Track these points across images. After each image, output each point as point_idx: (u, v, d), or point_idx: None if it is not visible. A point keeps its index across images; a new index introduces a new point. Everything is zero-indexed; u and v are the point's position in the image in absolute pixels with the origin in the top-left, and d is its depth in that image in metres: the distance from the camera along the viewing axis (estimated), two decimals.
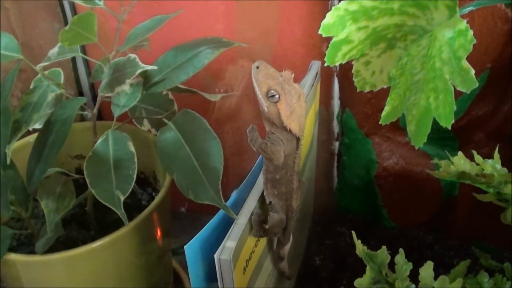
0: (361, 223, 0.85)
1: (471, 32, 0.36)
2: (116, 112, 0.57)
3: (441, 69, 0.37)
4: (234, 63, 0.79)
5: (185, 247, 0.45)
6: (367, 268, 0.53)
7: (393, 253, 0.53)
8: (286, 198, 0.52)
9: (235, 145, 0.86)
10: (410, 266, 0.52)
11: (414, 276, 0.53)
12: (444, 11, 0.38)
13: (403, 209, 0.82)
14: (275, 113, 0.47)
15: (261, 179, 0.52)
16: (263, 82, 0.47)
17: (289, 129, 0.48)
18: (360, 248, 0.53)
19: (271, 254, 0.58)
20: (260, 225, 0.51)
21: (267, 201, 0.52)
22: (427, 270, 0.51)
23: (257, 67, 0.47)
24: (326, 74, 0.76)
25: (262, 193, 0.52)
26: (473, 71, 0.35)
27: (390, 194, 0.80)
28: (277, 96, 0.47)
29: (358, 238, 0.52)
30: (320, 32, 0.40)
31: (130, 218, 0.56)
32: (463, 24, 0.36)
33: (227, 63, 0.79)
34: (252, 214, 0.50)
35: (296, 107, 0.48)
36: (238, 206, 0.50)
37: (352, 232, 0.53)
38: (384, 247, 0.53)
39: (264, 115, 0.48)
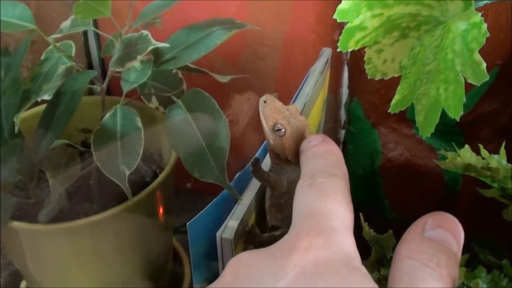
0: (361, 212, 0.85)
1: (485, 25, 0.35)
2: (126, 87, 0.57)
3: (452, 61, 0.37)
4: (243, 47, 0.79)
5: (187, 224, 0.45)
6: (373, 250, 0.53)
7: None
8: (288, 222, 0.53)
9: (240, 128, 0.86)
10: None
11: None
12: (459, 3, 0.38)
13: (404, 201, 0.82)
14: (281, 147, 0.48)
15: (266, 162, 0.53)
16: (269, 116, 0.48)
17: (294, 163, 0.49)
18: (366, 230, 0.54)
19: None
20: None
21: (269, 225, 0.52)
22: None
23: (265, 101, 0.48)
24: (336, 62, 0.75)
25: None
26: (484, 64, 0.35)
27: (393, 185, 0.81)
28: (283, 130, 0.47)
29: (357, 227, 0.53)
30: (335, 17, 0.40)
31: (134, 194, 0.57)
32: (478, 17, 0.36)
33: (239, 46, 0.79)
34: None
35: (301, 141, 0.48)
36: (242, 187, 0.51)
37: (360, 214, 0.54)
38: (390, 231, 0.54)
39: (269, 147, 0.50)
